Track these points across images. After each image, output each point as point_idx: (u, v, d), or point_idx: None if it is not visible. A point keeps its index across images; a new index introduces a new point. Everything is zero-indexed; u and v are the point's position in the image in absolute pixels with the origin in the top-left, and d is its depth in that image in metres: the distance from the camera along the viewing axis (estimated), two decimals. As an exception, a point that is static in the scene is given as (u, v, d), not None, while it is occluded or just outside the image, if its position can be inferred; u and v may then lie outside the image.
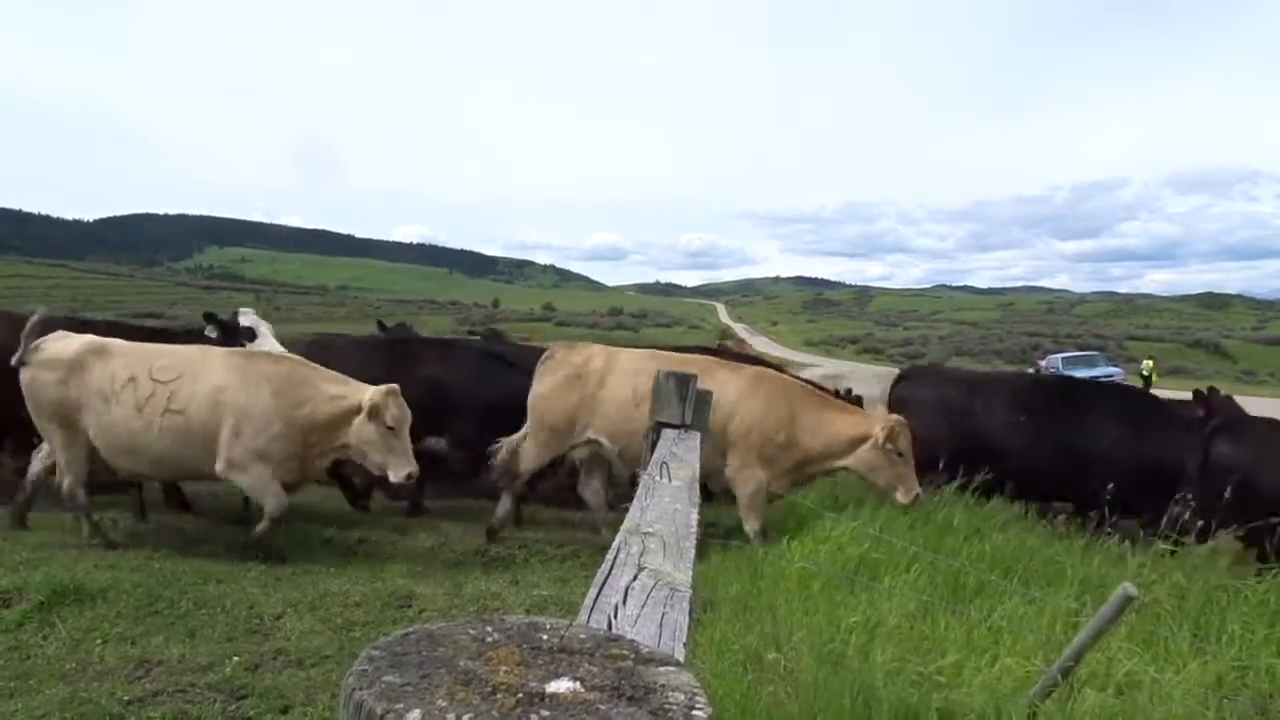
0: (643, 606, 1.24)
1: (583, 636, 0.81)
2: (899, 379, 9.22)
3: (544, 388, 7.00)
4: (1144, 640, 4.32)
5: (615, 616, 1.19)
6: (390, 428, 5.81)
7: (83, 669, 4.04)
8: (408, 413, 5.92)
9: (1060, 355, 33.47)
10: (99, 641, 4.34)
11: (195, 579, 5.38)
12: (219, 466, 5.89)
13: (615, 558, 1.46)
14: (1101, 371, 28.50)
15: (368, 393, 5.86)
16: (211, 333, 8.24)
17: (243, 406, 5.82)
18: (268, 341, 8.17)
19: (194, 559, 5.93)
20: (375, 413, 5.79)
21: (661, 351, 7.80)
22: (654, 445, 3.23)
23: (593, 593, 1.28)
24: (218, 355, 6.22)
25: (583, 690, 0.69)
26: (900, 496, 6.42)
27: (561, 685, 0.70)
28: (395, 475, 5.89)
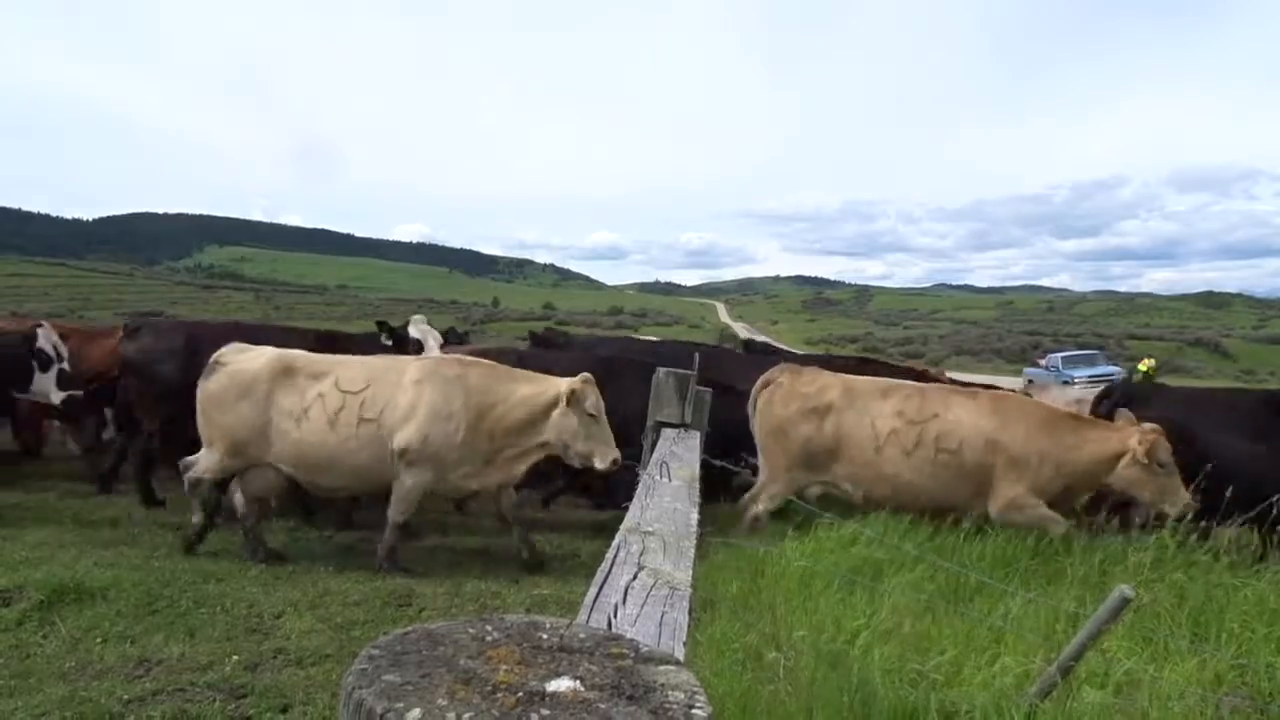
0: (643, 605, 1.24)
1: (583, 635, 0.82)
2: (1101, 397, 8.16)
3: (773, 421, 6.56)
4: (1143, 639, 4.32)
5: (615, 615, 1.19)
6: (591, 415, 5.73)
7: (83, 668, 4.04)
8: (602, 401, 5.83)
9: (1060, 354, 33.44)
10: (99, 640, 4.35)
11: (195, 578, 5.38)
12: (404, 474, 5.80)
13: (615, 557, 1.46)
14: (1101, 371, 28.50)
15: (563, 384, 5.78)
16: (387, 341, 8.11)
17: (436, 410, 5.73)
18: (434, 353, 7.99)
19: (194, 558, 5.94)
20: (575, 402, 5.70)
21: (895, 381, 7.11)
22: (654, 445, 3.24)
23: (593, 592, 1.28)
24: (407, 362, 6.15)
25: (583, 689, 0.69)
26: (1169, 509, 5.82)
27: (561, 684, 0.70)
28: (601, 462, 5.77)
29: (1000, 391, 7.07)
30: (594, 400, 5.76)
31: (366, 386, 5.82)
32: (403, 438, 5.70)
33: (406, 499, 5.88)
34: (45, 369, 6.94)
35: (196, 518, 6.08)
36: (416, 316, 8.94)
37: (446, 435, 5.73)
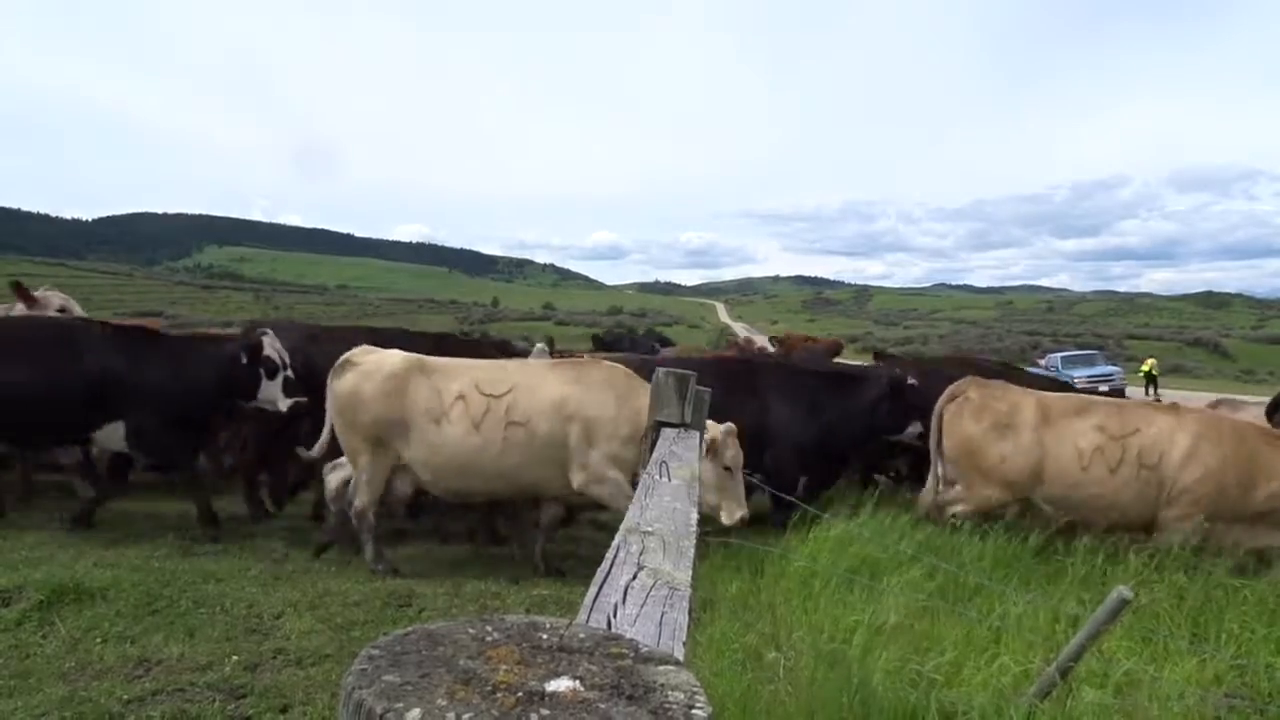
0: (642, 605, 1.24)
1: (582, 635, 0.82)
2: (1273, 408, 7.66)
3: (963, 436, 6.39)
4: (1143, 639, 4.32)
5: (615, 615, 1.19)
6: (727, 469, 5.44)
7: (82, 668, 4.04)
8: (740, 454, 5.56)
9: (1060, 354, 33.43)
10: (98, 640, 4.35)
11: (195, 578, 5.38)
12: (577, 480, 5.68)
13: (614, 557, 1.46)
14: (1101, 371, 28.49)
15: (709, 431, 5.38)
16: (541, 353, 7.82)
17: (591, 414, 5.62)
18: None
19: (193, 558, 5.94)
20: (714, 452, 5.38)
21: (1091, 399, 6.92)
22: (653, 445, 3.24)
23: (592, 592, 1.28)
24: (549, 366, 6.06)
25: (582, 689, 0.69)
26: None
27: (561, 684, 0.70)
28: (727, 518, 5.48)
29: (1203, 409, 6.88)
30: (733, 454, 5.49)
31: (509, 390, 5.69)
32: (576, 458, 5.60)
33: (618, 503, 5.57)
34: (272, 376, 6.78)
35: (368, 547, 5.90)
36: (540, 345, 8.50)
37: (608, 435, 5.59)
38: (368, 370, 5.78)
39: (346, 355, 5.97)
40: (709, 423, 5.44)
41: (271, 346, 6.78)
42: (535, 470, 5.70)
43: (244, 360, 6.66)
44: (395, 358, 5.84)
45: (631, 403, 5.63)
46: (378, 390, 5.69)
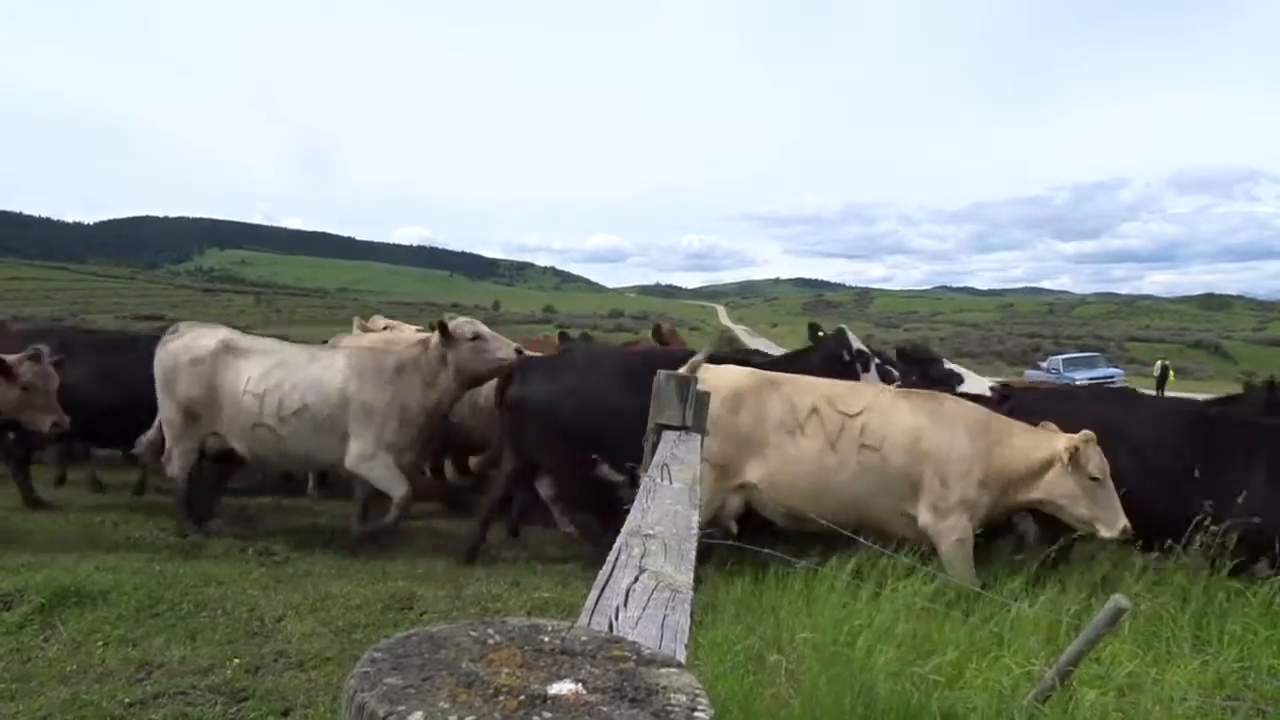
0: (644, 608, 1.24)
1: (584, 638, 0.81)
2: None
3: None
4: (1145, 641, 4.32)
5: (616, 618, 1.19)
6: (1095, 479, 5.13)
7: (84, 671, 4.04)
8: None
9: (1061, 357, 33.44)
10: (100, 644, 4.34)
11: (196, 581, 5.38)
12: (924, 519, 5.33)
13: (616, 560, 1.46)
14: (1101, 373, 28.49)
15: (1062, 441, 5.21)
16: (834, 357, 7.38)
17: (943, 450, 5.31)
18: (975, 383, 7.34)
19: (195, 561, 5.94)
20: (1076, 463, 5.10)
21: None
22: (654, 447, 3.24)
23: (594, 595, 1.28)
24: (898, 393, 5.76)
25: (584, 692, 0.69)
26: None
27: (563, 687, 0.70)
28: (1107, 531, 5.15)
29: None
30: (1098, 462, 5.17)
31: (863, 411, 5.42)
32: (927, 496, 5.28)
33: (954, 560, 5.26)
34: (866, 369, 6.62)
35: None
36: (952, 364, 7.98)
37: (960, 475, 5.27)
38: (715, 386, 5.48)
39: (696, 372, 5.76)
40: (1063, 434, 5.26)
41: (855, 340, 6.73)
42: (883, 501, 5.41)
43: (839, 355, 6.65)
44: (741, 372, 5.64)
45: (984, 441, 5.32)
46: (726, 407, 5.43)
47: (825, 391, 5.54)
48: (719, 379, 5.55)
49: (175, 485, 6.76)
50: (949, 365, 7.66)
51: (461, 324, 6.63)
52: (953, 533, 5.28)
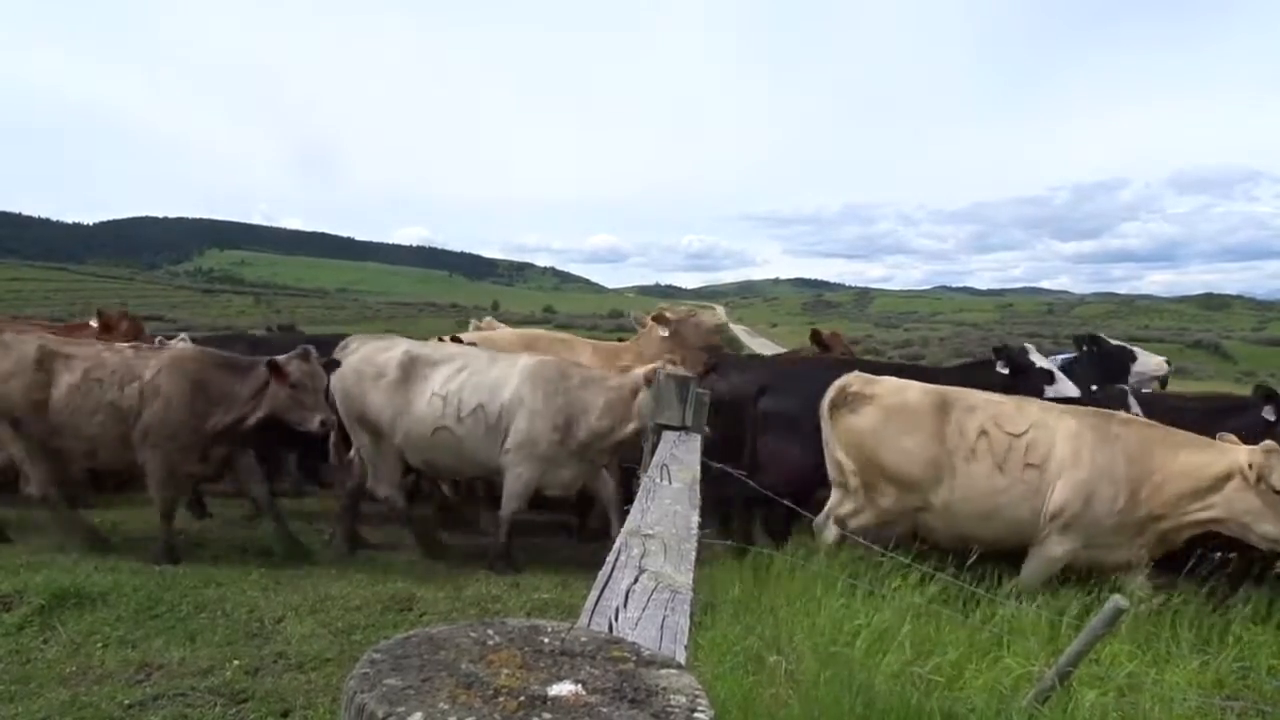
0: (644, 609, 1.24)
1: (584, 639, 0.82)
2: None
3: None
4: (1145, 642, 4.32)
5: (616, 619, 1.19)
6: (1278, 492, 4.85)
7: (83, 672, 4.04)
8: None
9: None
10: (99, 645, 4.34)
11: (196, 582, 5.38)
12: (1054, 540, 5.08)
13: (616, 560, 1.46)
14: (1101, 373, 28.39)
15: (1242, 453, 4.89)
16: (1003, 369, 7.11)
17: (1100, 470, 5.04)
18: (1066, 386, 6.94)
19: (194, 562, 5.94)
20: (1260, 477, 4.82)
21: None
22: (654, 447, 3.24)
23: (594, 595, 1.28)
24: (1065, 410, 5.45)
25: (584, 693, 0.69)
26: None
27: (563, 688, 0.70)
28: None
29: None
30: None
31: (1028, 429, 5.19)
32: (1061, 497, 5.05)
33: (1037, 574, 5.13)
34: (1051, 383, 6.44)
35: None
36: (1038, 353, 7.56)
37: (1106, 502, 5.03)
38: (889, 403, 5.40)
39: (843, 383, 5.60)
40: (1235, 447, 4.99)
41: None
42: (1026, 517, 5.16)
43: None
44: (915, 389, 5.49)
45: (1141, 466, 5.05)
46: (905, 426, 5.29)
47: (992, 410, 5.37)
48: (896, 395, 5.42)
49: (396, 510, 6.57)
50: (1039, 360, 7.33)
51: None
52: (1054, 546, 5.08)
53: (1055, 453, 5.12)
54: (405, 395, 6.31)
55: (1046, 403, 5.68)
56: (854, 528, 5.45)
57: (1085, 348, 8.52)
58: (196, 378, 6.01)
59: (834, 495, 5.72)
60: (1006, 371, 6.92)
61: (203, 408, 5.97)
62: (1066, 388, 6.83)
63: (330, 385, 6.25)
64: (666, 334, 7.51)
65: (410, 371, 6.35)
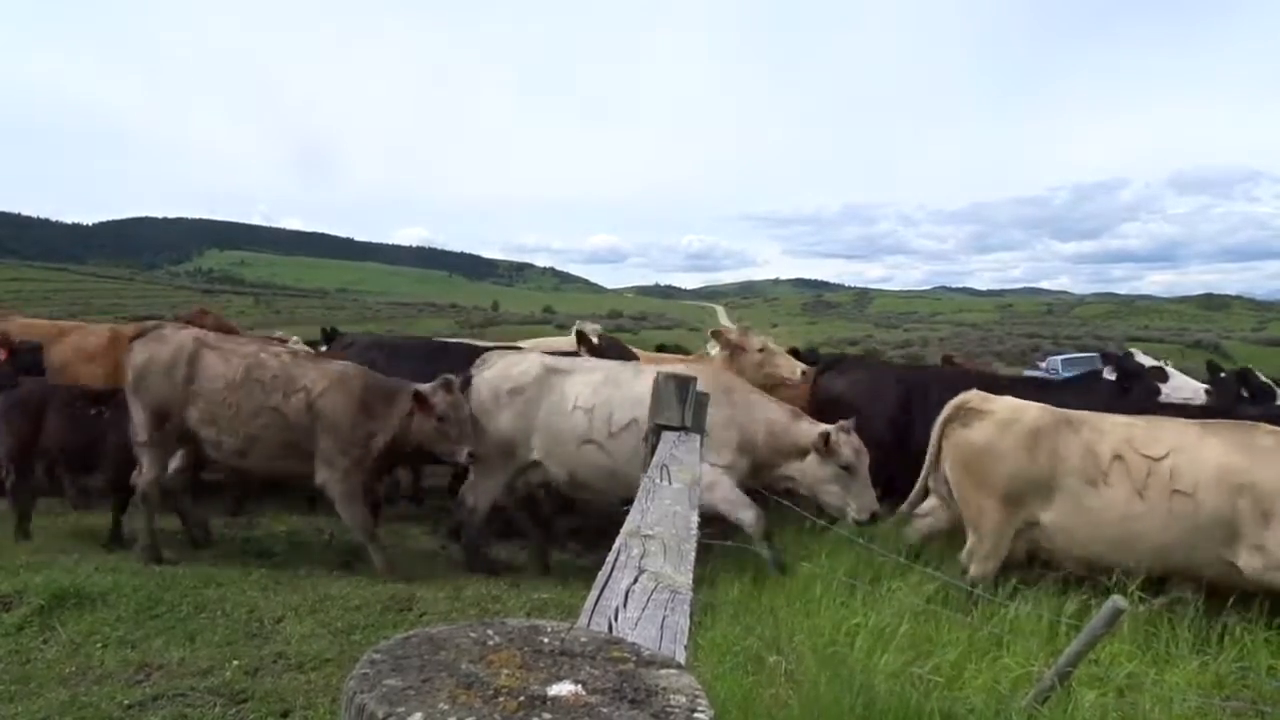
0: (643, 609, 1.24)
1: (584, 639, 0.82)
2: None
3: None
4: (1144, 642, 4.32)
5: (616, 619, 1.19)
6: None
7: (83, 672, 4.04)
8: None
9: (1060, 357, 33.47)
10: (99, 645, 4.34)
11: (195, 583, 5.38)
12: (1250, 563, 4.74)
13: (615, 560, 1.46)
14: (1101, 374, 28.43)
15: None
16: (1110, 374, 6.83)
17: (1265, 487, 4.75)
18: (1182, 382, 6.67)
19: (194, 563, 5.94)
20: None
21: None
22: (654, 448, 3.24)
23: (593, 595, 1.28)
24: (1204, 428, 5.18)
25: (584, 693, 0.69)
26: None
27: (563, 688, 0.70)
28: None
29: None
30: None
31: (1169, 453, 4.96)
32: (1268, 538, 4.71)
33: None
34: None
35: None
36: (1134, 349, 7.26)
37: None
38: (1004, 420, 5.28)
39: (963, 399, 5.49)
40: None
41: None
42: (1197, 548, 4.92)
43: None
44: (1035, 409, 5.33)
45: None
46: (1019, 444, 5.15)
47: (1125, 434, 5.15)
48: (1013, 414, 5.32)
49: (470, 520, 6.23)
50: (1146, 361, 7.10)
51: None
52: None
53: (1204, 474, 4.84)
54: (544, 409, 6.08)
55: (1184, 422, 5.36)
56: (976, 574, 5.21)
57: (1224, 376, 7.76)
58: (361, 398, 5.98)
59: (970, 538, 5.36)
60: (1115, 378, 6.71)
61: (367, 428, 5.94)
62: (1183, 384, 6.66)
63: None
64: (725, 354, 7.35)
65: (547, 384, 6.13)
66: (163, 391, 5.98)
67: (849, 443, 5.63)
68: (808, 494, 5.86)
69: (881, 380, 7.17)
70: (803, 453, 5.76)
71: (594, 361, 6.69)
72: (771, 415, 5.90)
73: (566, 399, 6.08)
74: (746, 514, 5.64)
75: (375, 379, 6.17)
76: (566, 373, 6.22)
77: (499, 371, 6.30)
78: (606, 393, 6.03)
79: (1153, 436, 5.08)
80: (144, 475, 6.05)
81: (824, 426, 5.71)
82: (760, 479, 6.00)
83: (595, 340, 8.16)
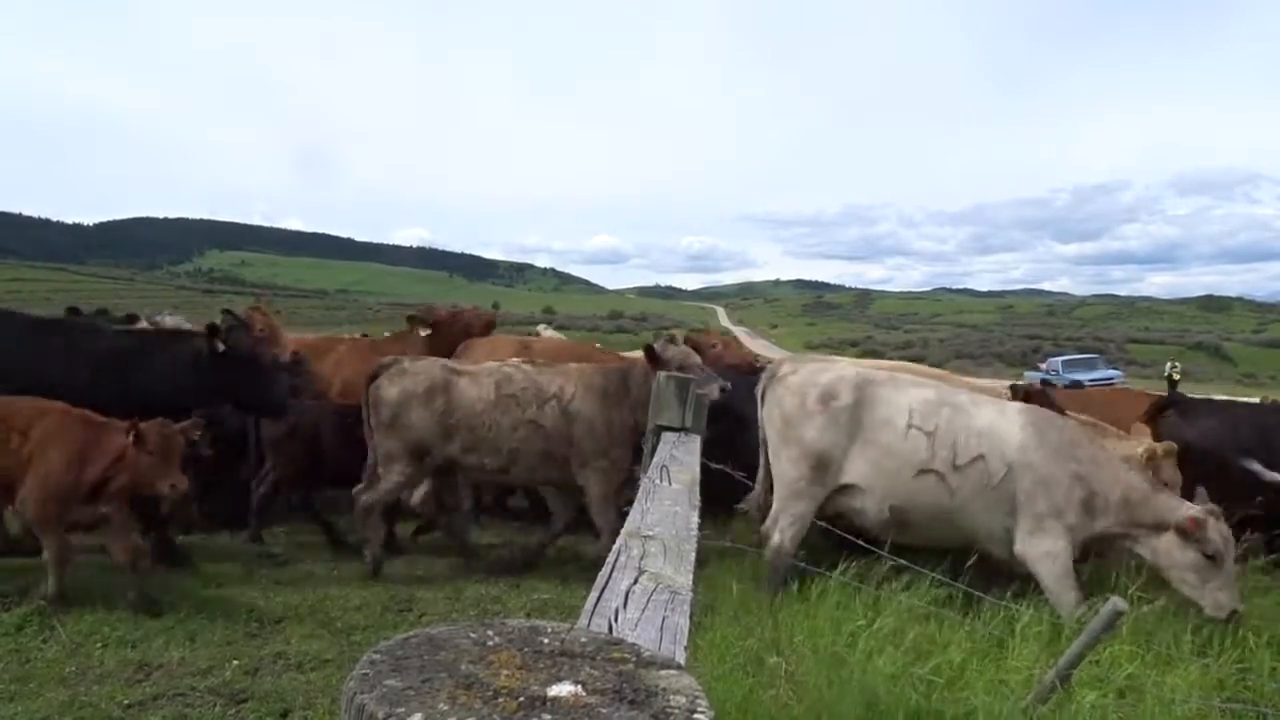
0: (643, 610, 1.24)
1: (584, 640, 0.81)
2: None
3: None
4: (1145, 643, 4.31)
5: (616, 620, 1.19)
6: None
7: (83, 672, 4.03)
8: None
9: (1061, 358, 33.50)
10: (99, 645, 4.34)
11: (195, 583, 5.38)
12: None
13: (616, 561, 1.46)
14: (1101, 375, 28.52)
15: None
16: None
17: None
18: None
19: (194, 563, 5.93)
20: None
21: None
22: (654, 449, 3.24)
23: (593, 596, 1.28)
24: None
25: (584, 694, 0.69)
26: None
27: (563, 689, 0.70)
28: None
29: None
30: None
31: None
32: None
33: None
34: None
35: None
36: None
37: None
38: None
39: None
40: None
41: None
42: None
43: None
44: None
45: None
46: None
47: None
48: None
49: (778, 559, 5.27)
50: None
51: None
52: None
53: None
54: (869, 424, 5.29)
55: None
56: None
57: None
58: (609, 393, 6.00)
59: None
60: None
61: (624, 422, 5.94)
62: None
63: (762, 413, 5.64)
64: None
65: (868, 396, 5.35)
66: (422, 425, 5.89)
67: (1218, 529, 4.75)
68: (1152, 566, 4.99)
69: (1236, 424, 6.61)
70: (1159, 528, 4.84)
71: (909, 376, 6.05)
72: (1129, 480, 4.99)
73: (899, 414, 5.23)
74: (1069, 597, 4.75)
75: (611, 374, 6.19)
76: (890, 384, 5.47)
77: (805, 377, 5.56)
78: (946, 416, 5.19)
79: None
80: (375, 494, 5.98)
81: (1190, 507, 4.81)
82: (1097, 550, 5.17)
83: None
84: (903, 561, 4.77)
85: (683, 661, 1.03)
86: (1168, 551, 4.81)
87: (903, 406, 5.24)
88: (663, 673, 0.76)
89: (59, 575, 4.83)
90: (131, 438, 4.73)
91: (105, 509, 4.88)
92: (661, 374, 4.17)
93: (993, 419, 5.15)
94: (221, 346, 5.83)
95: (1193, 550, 4.74)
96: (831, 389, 5.37)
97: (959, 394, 5.51)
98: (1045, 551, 4.83)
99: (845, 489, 5.31)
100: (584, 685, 0.71)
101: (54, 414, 4.96)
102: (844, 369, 5.70)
